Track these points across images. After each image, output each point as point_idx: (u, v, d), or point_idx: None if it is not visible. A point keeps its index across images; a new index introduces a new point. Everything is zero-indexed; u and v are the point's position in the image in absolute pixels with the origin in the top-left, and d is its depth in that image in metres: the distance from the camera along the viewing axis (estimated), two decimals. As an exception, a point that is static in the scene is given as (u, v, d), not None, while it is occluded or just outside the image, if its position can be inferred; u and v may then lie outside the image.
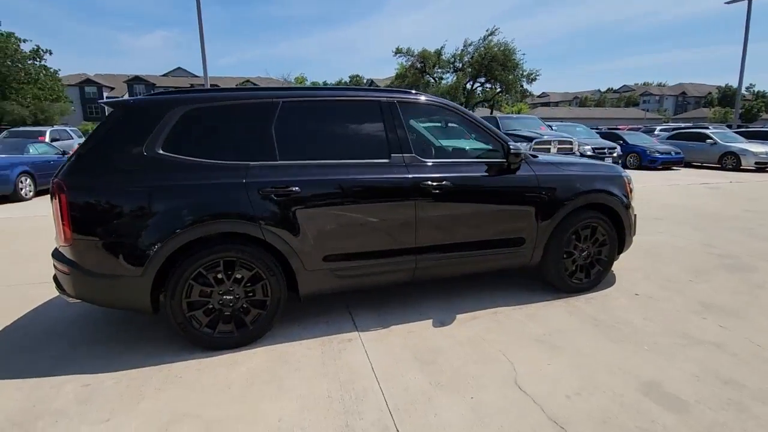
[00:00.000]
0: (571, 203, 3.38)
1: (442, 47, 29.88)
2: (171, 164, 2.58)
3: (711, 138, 15.16)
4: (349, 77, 74.04)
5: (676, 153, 14.47)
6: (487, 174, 3.19)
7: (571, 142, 10.99)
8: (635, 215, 3.79)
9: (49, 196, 2.75)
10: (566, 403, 2.17)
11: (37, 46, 26.29)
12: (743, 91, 24.53)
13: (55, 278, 2.74)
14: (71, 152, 4.74)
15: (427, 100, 3.27)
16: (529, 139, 10.79)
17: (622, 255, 4.16)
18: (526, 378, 2.39)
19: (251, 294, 2.76)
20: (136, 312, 2.67)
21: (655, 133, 20.59)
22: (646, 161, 14.17)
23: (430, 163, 3.08)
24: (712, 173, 13.31)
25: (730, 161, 14.29)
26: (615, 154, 12.51)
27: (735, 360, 2.55)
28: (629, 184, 3.71)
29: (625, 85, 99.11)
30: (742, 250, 4.77)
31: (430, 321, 3.11)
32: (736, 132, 16.83)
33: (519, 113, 46.02)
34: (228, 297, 2.71)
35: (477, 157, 3.37)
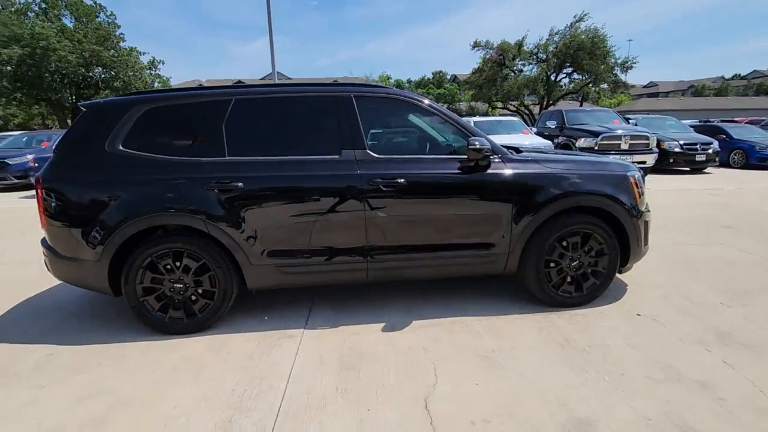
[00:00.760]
0: (553, 205, 2.98)
1: (523, 38, 28.10)
2: (129, 160, 2.80)
3: None
4: (432, 74, 73.55)
5: (799, 150, 11.98)
6: (449, 172, 2.95)
7: (647, 137, 9.70)
8: (647, 221, 3.23)
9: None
10: (466, 429, 1.93)
11: (153, 57, 30.38)
12: None
13: (45, 261, 3.14)
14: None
15: (386, 93, 3.10)
16: (595, 134, 9.78)
17: (642, 267, 3.61)
18: (442, 396, 2.17)
19: (200, 284, 2.89)
20: (99, 293, 2.95)
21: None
22: (755, 159, 11.93)
23: (384, 160, 2.93)
24: None
25: None
26: (710, 151, 10.78)
27: (714, 406, 2.04)
28: (637, 185, 3.16)
29: (756, 71, 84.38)
30: (823, 271, 3.81)
31: (383, 325, 2.98)
32: None
33: (618, 105, 41.69)
34: (178, 285, 2.87)
35: (443, 154, 3.13)
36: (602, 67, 26.09)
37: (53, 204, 2.77)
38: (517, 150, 3.38)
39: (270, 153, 2.89)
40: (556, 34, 27.78)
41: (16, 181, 10.34)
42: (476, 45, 29.65)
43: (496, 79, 29.04)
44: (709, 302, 3.21)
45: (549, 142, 9.79)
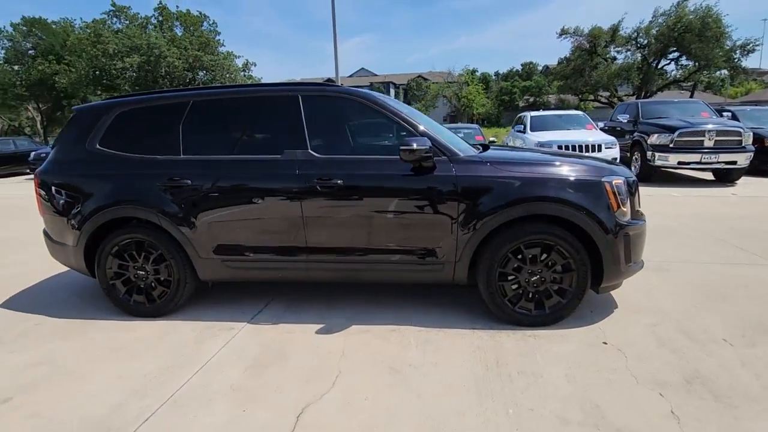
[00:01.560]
0: (502, 213, 2.68)
1: (619, 22, 25.27)
2: (103, 157, 3.12)
3: None
4: (522, 65, 69.76)
5: None
6: (389, 173, 2.81)
7: (738, 133, 8.18)
8: (633, 235, 2.75)
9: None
10: (319, 445, 1.84)
11: (246, 60, 33.25)
12: None
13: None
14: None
15: (335, 92, 3.03)
16: (670, 130, 8.52)
17: (655, 288, 3.19)
18: (323, 406, 2.10)
19: (158, 273, 3.13)
20: (83, 274, 3.34)
21: None
22: None
23: (324, 160, 2.88)
24: None
25: None
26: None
27: (617, 464, 1.69)
28: (615, 193, 2.70)
29: None
30: None
31: (322, 326, 2.95)
32: None
33: (747, 95, 35.48)
34: (141, 273, 3.14)
35: (390, 154, 2.97)
36: (715, 51, 22.44)
37: (45, 195, 3.20)
38: (486, 147, 3.09)
39: (220, 152, 3.02)
40: (661, 15, 24.54)
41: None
42: (564, 33, 27.49)
43: (584, 68, 26.58)
44: (711, 337, 2.64)
45: (612, 138, 8.77)
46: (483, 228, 2.71)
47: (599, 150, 8.47)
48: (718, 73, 24.47)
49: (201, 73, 30.23)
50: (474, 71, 57.89)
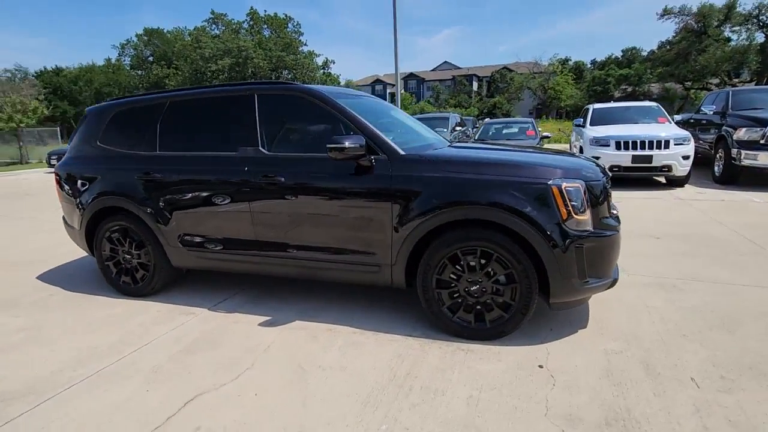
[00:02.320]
0: (434, 217, 2.50)
1: (737, -3, 21.56)
2: (101, 152, 3.53)
3: None
4: (622, 51, 63.23)
5: None
6: (328, 172, 2.76)
7: None
8: (589, 247, 2.39)
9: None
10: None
11: (326, 58, 34.76)
12: None
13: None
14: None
15: (284, 89, 3.04)
16: (762, 123, 7.17)
17: (652, 311, 2.90)
18: (212, 397, 2.18)
19: (139, 257, 3.46)
20: (89, 254, 3.81)
21: None
22: None
23: (271, 157, 2.93)
24: None
25: None
26: None
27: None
28: (565, 197, 2.36)
29: None
30: None
31: (268, 319, 3.03)
32: None
33: None
34: (127, 256, 3.50)
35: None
36: None
37: (61, 185, 3.71)
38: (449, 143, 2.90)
39: (187, 149, 3.23)
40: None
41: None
42: (666, 13, 24.27)
43: (690, 52, 23.24)
44: (676, 375, 2.20)
45: (685, 133, 7.59)
46: (416, 231, 2.56)
47: (666, 147, 7.39)
48: None
49: (284, 72, 32.30)
50: (566, 60, 53.74)
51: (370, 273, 2.78)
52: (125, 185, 3.34)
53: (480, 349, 2.52)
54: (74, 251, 4.89)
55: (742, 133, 7.36)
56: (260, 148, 2.97)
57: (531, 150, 3.22)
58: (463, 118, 16.14)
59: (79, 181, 3.57)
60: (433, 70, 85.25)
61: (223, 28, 33.41)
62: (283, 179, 2.85)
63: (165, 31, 42.31)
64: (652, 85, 37.01)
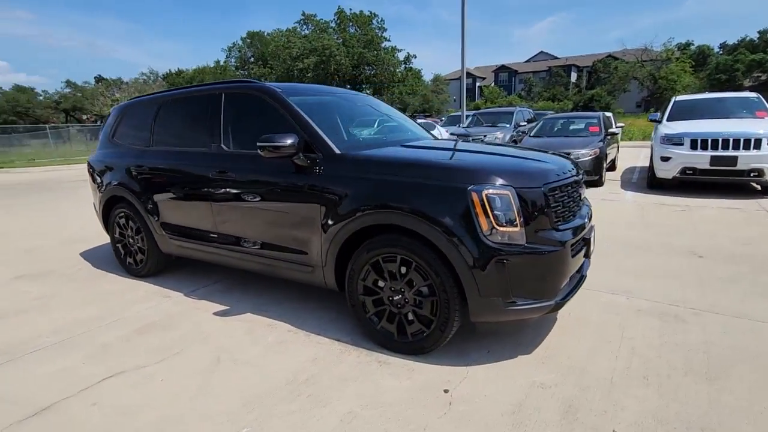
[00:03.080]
0: (355, 220, 2.38)
1: None
2: (113, 147, 3.98)
3: None
4: (758, 32, 53.43)
5: None
6: (271, 169, 2.78)
7: None
8: (520, 262, 2.10)
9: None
10: (83, 410, 2.11)
11: (408, 53, 34.71)
12: None
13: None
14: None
15: (243, 88, 3.10)
16: None
17: (604, 338, 2.54)
18: (127, 378, 2.35)
19: (138, 242, 3.84)
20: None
21: None
22: None
23: (230, 154, 3.04)
24: None
25: None
26: None
27: None
28: (486, 206, 2.08)
29: None
30: None
31: (225, 309, 3.16)
32: None
33: None
34: (131, 240, 3.91)
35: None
36: None
37: (91, 177, 4.26)
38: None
39: (174, 145, 3.49)
40: None
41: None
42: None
43: None
44: (599, 425, 1.84)
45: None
46: (341, 233, 2.47)
47: (758, 147, 6.12)
48: None
49: (366, 69, 33.13)
50: (687, 45, 47.11)
51: (306, 273, 2.76)
52: (124, 177, 3.72)
53: (397, 363, 2.36)
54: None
55: None
56: (221, 145, 3.10)
57: (481, 149, 2.81)
58: (545, 113, 14.97)
59: (99, 173, 4.07)
60: (527, 61, 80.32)
61: (313, 27, 35.27)
62: (234, 175, 2.94)
63: (265, 33, 46.04)
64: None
